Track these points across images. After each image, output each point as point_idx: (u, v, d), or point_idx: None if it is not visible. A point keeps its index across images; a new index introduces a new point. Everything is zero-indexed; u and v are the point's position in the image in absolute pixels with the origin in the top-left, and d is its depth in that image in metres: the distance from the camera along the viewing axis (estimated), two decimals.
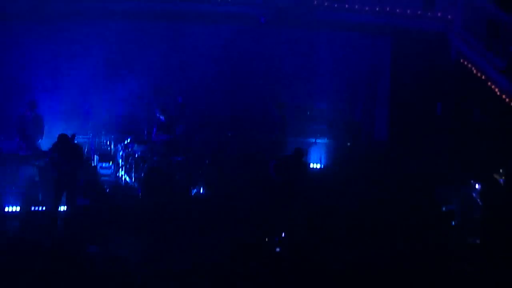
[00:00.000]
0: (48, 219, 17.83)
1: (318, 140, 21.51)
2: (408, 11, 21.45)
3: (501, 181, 18.26)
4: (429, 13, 21.37)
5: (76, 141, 18.44)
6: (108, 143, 21.49)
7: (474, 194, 19.35)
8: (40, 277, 14.31)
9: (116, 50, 21.92)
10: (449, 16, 21.27)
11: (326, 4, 21.63)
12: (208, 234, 17.25)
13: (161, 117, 20.52)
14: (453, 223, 18.91)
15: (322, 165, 22.04)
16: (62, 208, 18.20)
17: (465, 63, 20.55)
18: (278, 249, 15.93)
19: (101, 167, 20.86)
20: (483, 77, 19.69)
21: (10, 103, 21.18)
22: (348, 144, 22.26)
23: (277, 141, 21.38)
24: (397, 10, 21.45)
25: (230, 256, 15.79)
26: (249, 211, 18.77)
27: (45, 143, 19.72)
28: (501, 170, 18.41)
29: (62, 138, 17.67)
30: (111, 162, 20.93)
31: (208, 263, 15.68)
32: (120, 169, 20.62)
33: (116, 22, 21.75)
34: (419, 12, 21.41)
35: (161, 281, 14.70)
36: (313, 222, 18.27)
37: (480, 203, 19.08)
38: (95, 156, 20.90)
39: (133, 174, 20.43)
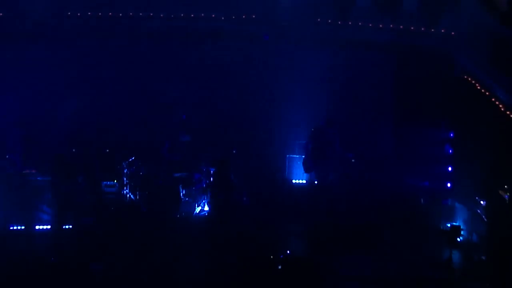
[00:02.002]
0: (52, 238, 17.87)
1: None
2: (412, 28, 21.46)
3: (506, 197, 18.20)
4: (432, 30, 21.37)
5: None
6: (112, 161, 21.46)
7: (479, 211, 19.31)
8: None
9: (118, 68, 21.96)
10: (452, 33, 21.27)
11: (329, 21, 21.66)
12: (212, 252, 17.24)
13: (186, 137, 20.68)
14: (458, 239, 18.86)
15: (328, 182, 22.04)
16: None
17: (469, 79, 20.56)
18: (280, 267, 15.89)
19: (106, 185, 20.87)
20: (487, 93, 19.68)
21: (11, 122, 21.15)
22: (353, 160, 22.19)
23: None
24: (401, 27, 21.46)
25: (235, 273, 15.75)
26: (255, 228, 18.79)
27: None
28: (506, 186, 18.36)
29: (59, 158, 17.66)
30: (115, 180, 20.94)
31: (213, 281, 15.68)
32: (125, 188, 20.61)
33: (119, 41, 21.89)
34: (422, 29, 21.41)
35: None
36: (317, 238, 18.31)
37: (485, 220, 19.04)
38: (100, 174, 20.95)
39: (137, 192, 20.44)
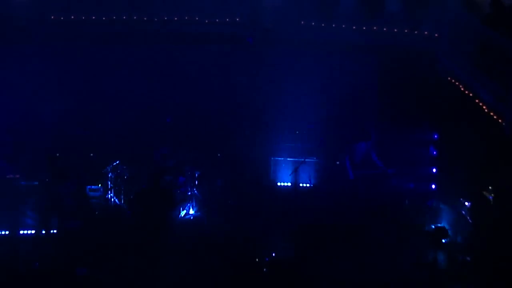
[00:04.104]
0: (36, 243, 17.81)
1: (307, 159, 21.49)
2: (395, 30, 21.51)
3: (490, 198, 18.26)
4: (415, 32, 21.43)
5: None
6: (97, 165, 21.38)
7: (463, 212, 19.36)
8: None
9: (101, 71, 21.86)
10: (436, 34, 21.33)
11: (313, 24, 21.69)
12: (198, 255, 17.20)
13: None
14: (443, 240, 18.90)
15: (311, 184, 22.02)
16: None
17: (453, 80, 20.60)
18: (265, 269, 15.91)
19: (90, 189, 20.80)
20: (471, 94, 19.73)
21: None
22: (337, 162, 22.23)
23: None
24: (384, 29, 21.52)
25: (220, 276, 15.74)
26: (240, 231, 18.79)
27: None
28: (490, 187, 18.42)
29: (52, 158, 17.63)
30: (100, 184, 20.88)
31: (198, 284, 15.66)
32: (109, 191, 20.56)
33: (103, 45, 21.82)
34: (405, 31, 21.47)
35: None
36: (302, 240, 18.29)
37: (470, 221, 19.10)
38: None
39: (122, 196, 20.39)
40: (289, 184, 21.90)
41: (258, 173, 22.04)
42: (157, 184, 19.83)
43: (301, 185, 21.79)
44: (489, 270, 16.56)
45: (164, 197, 19.58)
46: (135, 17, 21.47)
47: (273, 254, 17.85)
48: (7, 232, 18.55)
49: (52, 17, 21.33)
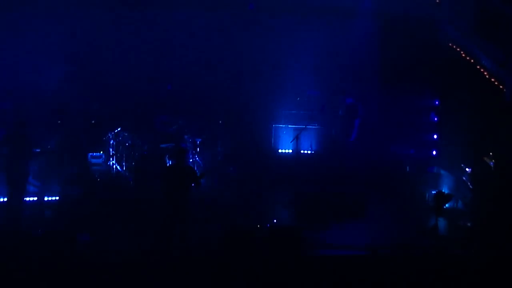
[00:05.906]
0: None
1: (309, 126, 21.45)
2: None
3: (491, 164, 18.30)
4: None
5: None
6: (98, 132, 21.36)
7: (464, 178, 19.39)
8: (31, 266, 14.34)
9: (102, 38, 21.79)
10: (437, 0, 21.26)
11: None
12: (200, 221, 17.24)
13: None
14: (444, 206, 18.95)
15: (313, 151, 22.05)
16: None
17: (454, 46, 20.57)
18: (266, 235, 15.95)
19: (92, 156, 20.83)
20: (472, 60, 19.71)
21: None
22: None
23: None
24: None
25: (223, 243, 15.80)
26: (242, 198, 18.86)
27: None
28: (491, 153, 18.45)
29: (19, 125, 17.51)
30: (101, 152, 20.91)
31: (199, 250, 15.73)
32: (111, 158, 20.59)
33: (104, 11, 21.71)
34: None
35: (153, 268, 14.73)
36: (303, 207, 18.34)
37: (471, 187, 19.14)
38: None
39: (124, 163, 20.43)
40: (290, 151, 21.91)
41: (259, 140, 22.05)
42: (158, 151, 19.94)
43: (302, 152, 21.79)
44: (490, 236, 16.63)
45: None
46: None
47: (274, 221, 17.93)
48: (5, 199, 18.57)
49: None
